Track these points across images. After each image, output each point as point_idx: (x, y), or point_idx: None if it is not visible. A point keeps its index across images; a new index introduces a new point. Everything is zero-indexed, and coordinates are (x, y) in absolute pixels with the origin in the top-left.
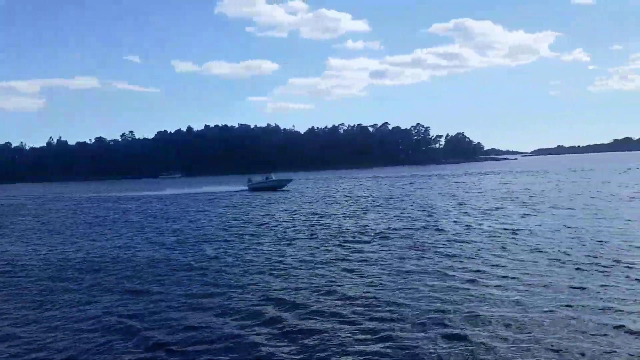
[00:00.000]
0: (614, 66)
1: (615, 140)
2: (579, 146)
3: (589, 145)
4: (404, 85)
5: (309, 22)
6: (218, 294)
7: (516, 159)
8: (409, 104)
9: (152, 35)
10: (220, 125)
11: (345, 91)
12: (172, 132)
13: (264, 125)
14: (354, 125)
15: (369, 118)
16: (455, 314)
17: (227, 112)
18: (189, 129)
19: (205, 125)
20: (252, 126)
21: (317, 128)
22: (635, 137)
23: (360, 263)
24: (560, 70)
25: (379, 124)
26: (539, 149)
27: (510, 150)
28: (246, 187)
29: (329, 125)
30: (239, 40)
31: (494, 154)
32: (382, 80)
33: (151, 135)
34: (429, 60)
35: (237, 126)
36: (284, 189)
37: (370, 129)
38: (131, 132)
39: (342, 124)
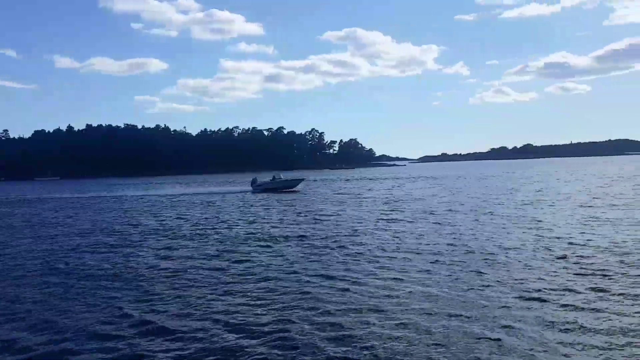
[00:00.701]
0: (490, 80)
1: (492, 149)
2: (460, 154)
3: (469, 154)
4: (298, 91)
5: (200, 22)
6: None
7: (405, 165)
8: (303, 109)
9: (29, 28)
10: (104, 125)
11: (239, 94)
12: (51, 131)
13: (152, 126)
14: (249, 128)
15: (264, 122)
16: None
17: (111, 112)
18: (70, 128)
19: (88, 125)
20: (139, 127)
21: (210, 131)
22: (510, 147)
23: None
24: (444, 82)
25: (274, 128)
26: (425, 156)
27: (400, 156)
28: (250, 189)
29: (222, 128)
30: (125, 37)
31: (385, 160)
32: (277, 84)
33: (28, 135)
34: (322, 67)
35: (122, 126)
36: (294, 189)
37: (266, 133)
38: (5, 131)
39: (237, 127)
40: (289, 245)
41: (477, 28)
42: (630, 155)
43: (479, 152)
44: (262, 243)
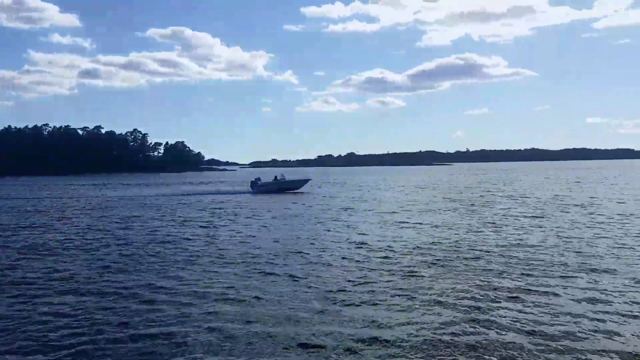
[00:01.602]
0: (318, 90)
1: (319, 157)
2: (290, 160)
3: (298, 160)
4: (118, 88)
5: (8, 9)
6: None
7: (235, 170)
8: (124, 108)
9: None
10: None
11: (51, 89)
12: None
13: None
14: (61, 126)
15: (79, 120)
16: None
17: None
18: None
19: None
20: None
21: (15, 128)
22: (335, 155)
23: None
24: (274, 89)
25: (91, 127)
26: (256, 162)
27: (230, 161)
28: (250, 189)
29: (30, 125)
30: None
31: (215, 165)
32: (94, 80)
33: None
34: (146, 65)
35: None
36: (298, 190)
37: (80, 132)
38: None
39: (47, 125)
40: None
41: (305, 39)
42: (435, 166)
43: (308, 159)
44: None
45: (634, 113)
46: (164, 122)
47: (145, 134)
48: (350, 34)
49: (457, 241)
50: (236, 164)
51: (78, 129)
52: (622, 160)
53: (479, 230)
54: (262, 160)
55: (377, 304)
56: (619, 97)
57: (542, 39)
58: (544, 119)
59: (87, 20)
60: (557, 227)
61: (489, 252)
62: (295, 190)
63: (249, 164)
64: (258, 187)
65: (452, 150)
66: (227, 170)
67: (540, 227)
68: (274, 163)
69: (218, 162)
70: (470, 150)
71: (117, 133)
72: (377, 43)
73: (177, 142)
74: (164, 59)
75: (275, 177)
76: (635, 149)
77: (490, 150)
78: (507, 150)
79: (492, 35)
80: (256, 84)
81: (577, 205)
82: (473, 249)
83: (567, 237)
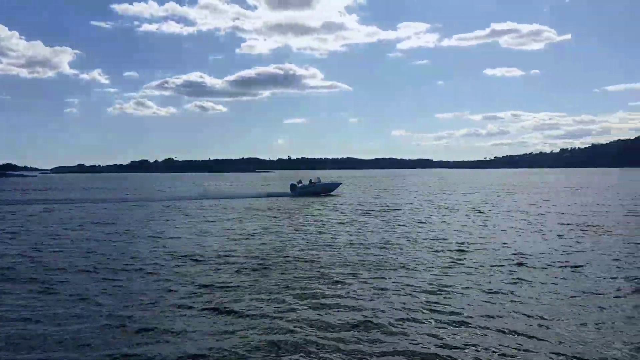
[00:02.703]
0: (131, 91)
1: (134, 162)
2: (100, 165)
3: (109, 165)
4: None
5: None
6: None
7: (35, 175)
8: None
9: None
10: None
11: None
12: None
13: None
14: None
15: None
16: None
17: None
18: None
19: None
20: None
21: None
22: (152, 160)
23: None
24: (80, 89)
25: None
26: (60, 167)
27: (30, 166)
28: (289, 192)
29: None
30: None
31: (10, 170)
32: None
33: None
34: None
35: None
36: (332, 193)
37: None
38: None
39: None
40: None
41: (116, 37)
42: (259, 173)
43: (121, 165)
44: None
45: (430, 128)
46: None
47: None
48: (166, 35)
49: (272, 247)
50: (36, 169)
51: None
52: (423, 169)
53: (290, 236)
54: (67, 165)
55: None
56: (419, 113)
57: (353, 55)
58: (358, 130)
59: None
60: (357, 230)
61: (297, 257)
62: (331, 192)
63: (51, 170)
64: (298, 190)
65: (274, 158)
66: (24, 176)
67: (342, 231)
68: (80, 168)
69: (14, 167)
70: (292, 158)
71: None
72: (195, 46)
73: None
74: None
75: (310, 180)
76: (434, 159)
77: (311, 159)
78: (325, 159)
79: (309, 48)
80: (60, 82)
81: (381, 210)
82: (285, 255)
83: (364, 239)
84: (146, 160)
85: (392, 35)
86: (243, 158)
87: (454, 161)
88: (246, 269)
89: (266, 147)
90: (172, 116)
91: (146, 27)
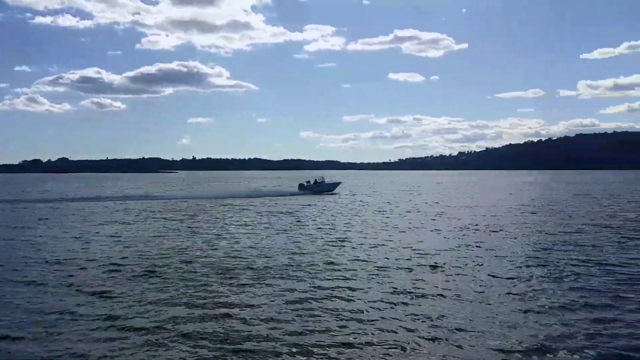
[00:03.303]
0: (22, 87)
1: (25, 162)
2: None
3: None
4: None
5: None
6: None
7: None
8: None
9: None
10: None
11: None
12: None
13: None
14: None
15: None
16: None
17: None
18: None
19: None
20: None
21: None
22: (45, 159)
23: None
24: None
25: None
26: None
27: None
28: (298, 191)
29: None
30: None
31: None
32: None
33: None
34: None
35: None
36: (334, 192)
37: None
38: None
39: None
40: None
41: (5, 29)
42: (161, 173)
43: (10, 164)
44: None
45: (337, 130)
46: None
47: None
48: (61, 28)
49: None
50: None
51: None
52: (330, 171)
53: (213, 239)
54: None
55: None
56: (326, 115)
57: (260, 55)
58: (266, 130)
59: None
60: (259, 232)
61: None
62: (332, 192)
63: None
64: (305, 189)
65: (178, 158)
66: None
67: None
68: None
69: None
70: (197, 158)
71: None
72: (92, 41)
73: None
74: None
75: (315, 180)
76: (341, 160)
77: (217, 159)
78: (232, 159)
79: (214, 46)
80: None
81: (287, 213)
82: (188, 259)
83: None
84: (38, 160)
85: (299, 36)
86: (144, 158)
87: (361, 163)
88: (129, 274)
89: (169, 146)
90: (67, 113)
91: (39, 19)
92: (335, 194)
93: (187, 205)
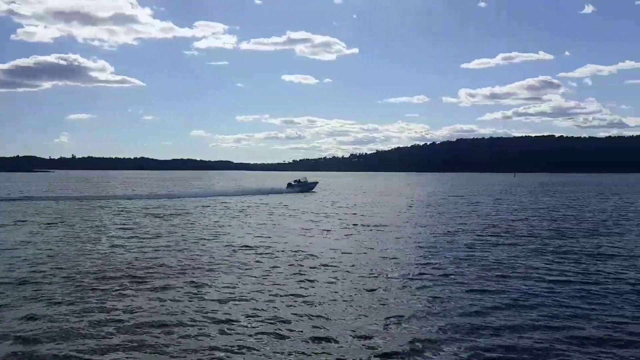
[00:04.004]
0: None
1: None
2: None
3: None
4: None
5: None
6: None
7: None
8: None
9: None
10: None
11: None
12: None
13: None
14: None
15: None
16: None
17: None
18: None
19: None
20: None
21: None
22: None
23: None
24: None
25: None
26: None
27: None
28: (285, 189)
29: None
30: None
31: None
32: None
33: None
34: None
35: None
36: (313, 190)
37: None
38: None
39: None
40: None
41: None
42: (36, 173)
43: None
44: None
45: (230, 129)
46: None
47: None
48: None
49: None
50: None
51: None
52: (224, 171)
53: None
54: None
55: None
56: (219, 114)
57: (147, 50)
58: (153, 129)
59: None
60: (135, 234)
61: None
62: (312, 190)
63: None
64: (291, 188)
65: (56, 156)
66: None
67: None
68: None
69: None
70: (77, 157)
71: None
72: None
73: None
74: None
75: (298, 180)
76: (234, 161)
77: (99, 158)
78: (116, 158)
79: (97, 39)
80: None
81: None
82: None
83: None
84: None
85: (189, 33)
86: (18, 156)
87: (254, 163)
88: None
89: (45, 144)
90: None
91: None
92: (315, 191)
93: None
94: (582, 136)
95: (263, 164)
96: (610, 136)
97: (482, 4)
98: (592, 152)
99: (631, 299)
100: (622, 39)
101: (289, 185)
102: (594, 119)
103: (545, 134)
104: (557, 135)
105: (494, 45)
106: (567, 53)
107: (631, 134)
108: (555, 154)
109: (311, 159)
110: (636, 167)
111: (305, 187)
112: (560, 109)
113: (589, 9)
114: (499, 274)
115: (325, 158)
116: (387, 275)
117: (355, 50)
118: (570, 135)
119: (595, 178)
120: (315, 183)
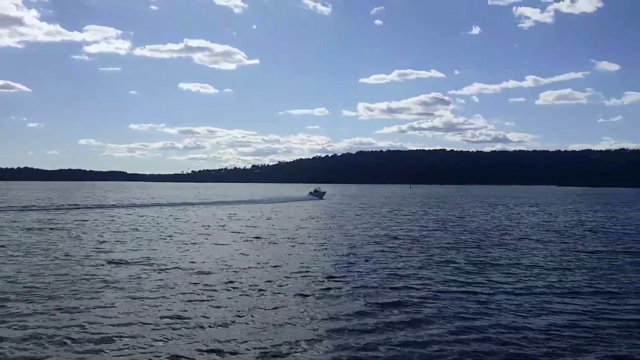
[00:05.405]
0: None
1: None
2: None
3: None
4: None
5: None
6: None
7: None
8: None
9: None
10: None
11: None
12: None
13: None
14: None
15: None
16: None
17: None
18: None
19: None
20: None
21: None
22: None
23: None
24: None
25: None
26: None
27: None
28: (308, 196)
29: None
30: None
31: None
32: None
33: None
34: None
35: None
36: (324, 197)
37: None
38: None
39: None
40: None
41: None
42: None
43: None
44: None
45: (123, 138)
46: None
47: None
48: None
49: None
50: None
51: None
52: (116, 182)
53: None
54: None
55: None
56: (110, 122)
57: (33, 54)
58: (38, 137)
59: None
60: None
61: None
62: (323, 198)
63: None
64: (312, 195)
65: None
66: None
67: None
68: None
69: None
70: None
71: None
72: None
73: None
74: None
75: (315, 190)
76: (128, 171)
77: None
78: None
79: None
80: None
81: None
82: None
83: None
84: None
85: (78, 37)
86: None
87: (150, 174)
88: None
89: None
90: None
91: None
92: (325, 199)
93: None
94: (471, 150)
95: (160, 174)
96: (495, 150)
97: (378, 22)
98: (480, 165)
99: (508, 307)
100: (505, 60)
101: (310, 193)
102: (480, 134)
103: (437, 147)
104: (448, 149)
105: (389, 61)
106: (456, 72)
107: (514, 149)
108: (447, 166)
109: (212, 170)
110: (519, 180)
111: (321, 195)
112: (450, 124)
113: (476, 30)
114: (397, 285)
115: (226, 169)
116: (273, 290)
117: (256, 61)
118: (459, 149)
119: (484, 190)
120: (324, 192)
